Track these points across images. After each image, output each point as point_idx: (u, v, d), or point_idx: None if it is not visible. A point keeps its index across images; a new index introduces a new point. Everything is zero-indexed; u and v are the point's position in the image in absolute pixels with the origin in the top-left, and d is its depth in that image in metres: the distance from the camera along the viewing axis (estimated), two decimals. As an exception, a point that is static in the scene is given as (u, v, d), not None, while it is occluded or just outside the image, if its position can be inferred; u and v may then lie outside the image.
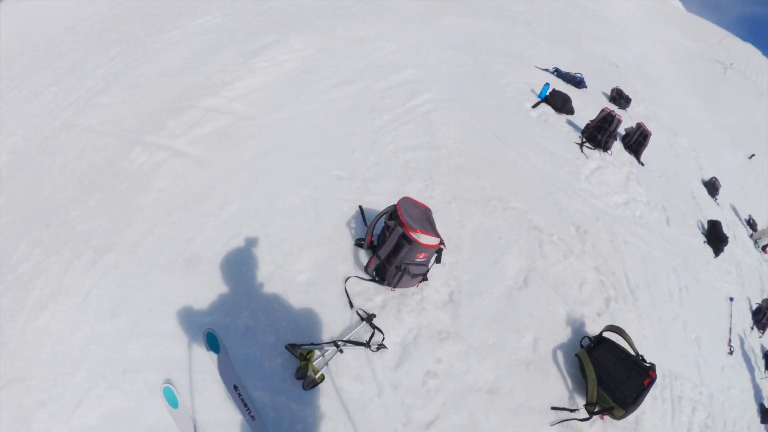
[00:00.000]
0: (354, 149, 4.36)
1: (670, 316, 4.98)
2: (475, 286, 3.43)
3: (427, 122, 5.14)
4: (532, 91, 7.35)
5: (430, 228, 2.85)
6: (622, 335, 3.23)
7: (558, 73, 8.94)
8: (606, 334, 3.30)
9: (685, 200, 7.80)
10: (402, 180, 4.06)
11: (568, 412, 2.90)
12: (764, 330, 6.86)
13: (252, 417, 2.30)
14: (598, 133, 6.17)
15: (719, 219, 7.72)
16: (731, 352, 5.66)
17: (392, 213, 2.83)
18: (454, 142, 4.85)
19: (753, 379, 5.84)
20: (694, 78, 20.97)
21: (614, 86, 9.50)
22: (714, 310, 6.07)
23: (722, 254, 7.11)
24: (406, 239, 2.71)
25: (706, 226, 7.27)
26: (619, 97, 9.17)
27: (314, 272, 3.01)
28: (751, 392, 5.53)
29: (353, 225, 3.44)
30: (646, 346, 4.08)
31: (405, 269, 2.82)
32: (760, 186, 13.27)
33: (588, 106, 7.82)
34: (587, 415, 2.87)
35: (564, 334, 3.49)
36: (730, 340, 5.85)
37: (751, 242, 9.21)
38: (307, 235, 3.22)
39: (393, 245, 2.75)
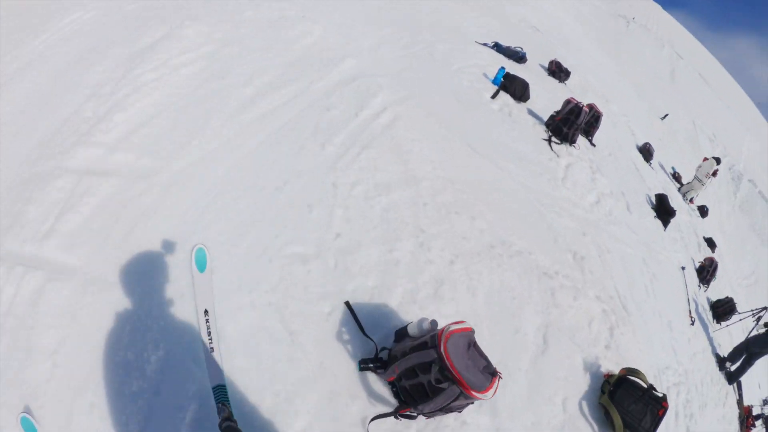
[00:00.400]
0: (310, 203, 3.15)
1: (650, 313, 5.01)
2: (504, 367, 2.87)
3: (393, 141, 4.14)
4: (485, 75, 6.62)
5: (482, 361, 2.06)
6: (635, 374, 3.38)
7: (498, 48, 8.31)
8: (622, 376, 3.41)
9: (632, 174, 7.89)
10: (387, 241, 3.09)
11: None
12: (708, 285, 7.54)
13: (211, 348, 2.12)
14: (564, 126, 5.71)
15: (662, 191, 8.00)
16: (693, 323, 5.97)
17: (440, 367, 1.90)
18: (433, 168, 3.93)
19: (708, 336, 6.31)
20: (600, 33, 21.91)
21: (552, 59, 9.16)
22: (674, 287, 6.29)
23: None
24: (464, 396, 1.92)
25: (653, 200, 7.44)
26: (559, 71, 8.87)
27: (321, 426, 2.11)
28: (709, 349, 5.98)
29: (346, 335, 2.47)
30: (642, 358, 4.01)
31: (451, 410, 2.09)
32: (674, 138, 14.43)
33: (536, 86, 7.33)
34: None
35: (585, 383, 3.33)
36: (690, 312, 6.16)
37: (680, 196, 9.89)
38: (289, 373, 2.20)
39: (446, 403, 1.95)
